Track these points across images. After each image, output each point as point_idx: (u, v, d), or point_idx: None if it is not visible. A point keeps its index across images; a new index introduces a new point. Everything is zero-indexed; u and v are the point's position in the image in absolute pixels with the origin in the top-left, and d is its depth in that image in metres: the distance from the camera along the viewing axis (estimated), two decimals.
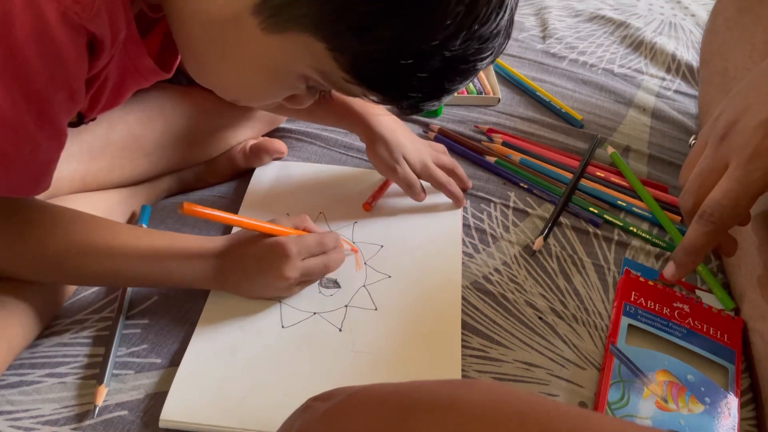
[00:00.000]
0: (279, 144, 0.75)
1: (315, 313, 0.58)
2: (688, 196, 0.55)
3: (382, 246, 0.66)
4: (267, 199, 0.70)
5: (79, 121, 0.53)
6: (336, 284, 0.61)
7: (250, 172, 0.74)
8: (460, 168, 0.73)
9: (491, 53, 0.43)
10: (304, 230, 0.59)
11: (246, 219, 0.55)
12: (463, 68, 0.43)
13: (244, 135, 0.75)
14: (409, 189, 0.68)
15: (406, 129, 0.71)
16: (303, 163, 0.76)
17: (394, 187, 0.72)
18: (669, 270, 0.57)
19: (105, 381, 0.51)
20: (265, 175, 0.73)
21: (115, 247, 0.52)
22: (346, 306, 0.59)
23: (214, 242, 0.56)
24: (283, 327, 0.56)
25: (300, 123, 0.81)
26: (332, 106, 0.68)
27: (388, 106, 0.46)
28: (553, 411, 0.32)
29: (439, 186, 0.70)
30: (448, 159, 0.73)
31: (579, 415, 0.31)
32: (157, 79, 0.55)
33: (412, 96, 0.44)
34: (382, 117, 0.68)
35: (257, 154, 0.74)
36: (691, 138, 0.60)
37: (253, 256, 0.55)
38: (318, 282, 0.61)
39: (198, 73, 0.50)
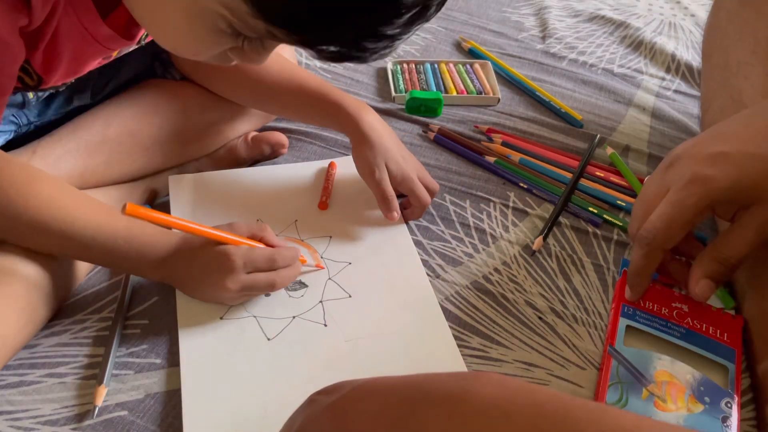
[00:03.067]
0: (280, 136, 0.75)
1: (294, 317, 0.58)
2: (633, 222, 0.57)
3: (330, 237, 0.66)
4: (199, 214, 0.66)
5: (38, 84, 0.53)
6: (302, 284, 0.61)
7: (251, 164, 0.75)
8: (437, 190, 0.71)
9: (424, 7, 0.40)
10: (260, 240, 0.57)
11: (197, 225, 0.53)
12: (388, 7, 0.39)
13: (241, 129, 0.76)
14: (382, 201, 0.66)
15: (398, 141, 0.69)
16: (216, 171, 0.73)
17: (351, 184, 0.71)
18: (627, 293, 0.60)
19: (105, 381, 0.51)
20: (182, 191, 0.69)
21: (72, 213, 0.52)
22: (320, 302, 0.60)
23: (170, 237, 0.55)
24: (268, 339, 0.56)
25: (300, 124, 0.82)
26: (324, 104, 0.68)
27: (310, 53, 0.43)
28: (570, 404, 0.31)
29: (415, 200, 0.68)
30: (432, 181, 0.70)
31: (596, 407, 0.31)
32: (120, 46, 0.55)
33: (328, 36, 0.41)
34: (374, 121, 0.67)
35: (258, 145, 0.74)
36: None
37: (200, 262, 0.55)
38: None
39: (137, 17, 0.50)
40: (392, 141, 0.68)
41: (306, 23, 0.41)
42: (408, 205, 0.70)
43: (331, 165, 0.73)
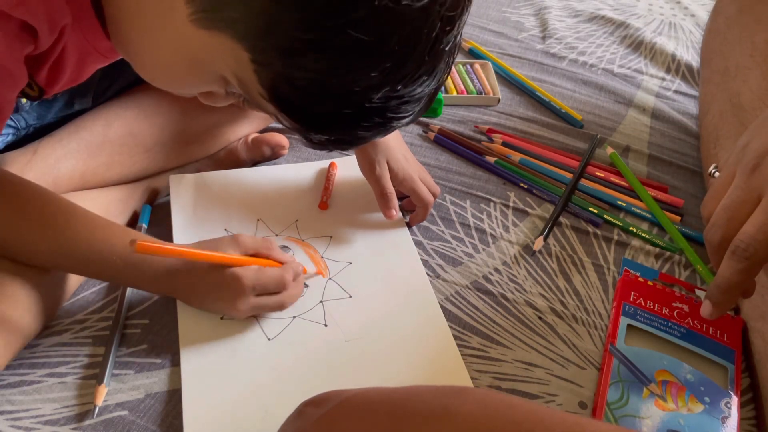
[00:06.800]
0: (280, 137, 0.75)
1: (294, 317, 0.58)
2: (716, 230, 0.50)
3: (331, 237, 0.66)
4: (200, 214, 0.66)
5: (40, 95, 0.53)
6: (304, 284, 0.61)
7: (252, 166, 0.75)
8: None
9: (410, 115, 0.44)
10: (267, 257, 0.56)
11: (205, 252, 0.52)
12: (378, 122, 0.43)
13: (243, 131, 0.76)
14: (380, 198, 0.66)
15: (403, 142, 0.70)
16: (217, 171, 0.72)
17: (348, 185, 0.71)
18: (706, 309, 0.53)
19: (105, 381, 0.51)
20: (183, 190, 0.69)
21: (64, 232, 0.51)
22: (321, 302, 0.60)
23: None
24: (269, 339, 0.56)
25: None
26: None
27: (297, 136, 0.45)
28: (548, 419, 0.31)
29: (418, 200, 0.68)
30: (433, 184, 0.70)
31: (575, 423, 0.31)
32: (119, 56, 0.54)
33: (322, 132, 0.43)
34: None
35: (258, 146, 0.75)
36: (711, 167, 0.57)
37: (208, 281, 0.54)
38: None
39: (119, 43, 0.49)
40: (396, 140, 0.68)
41: (315, 123, 0.43)
42: (409, 207, 0.69)
43: (331, 165, 0.74)
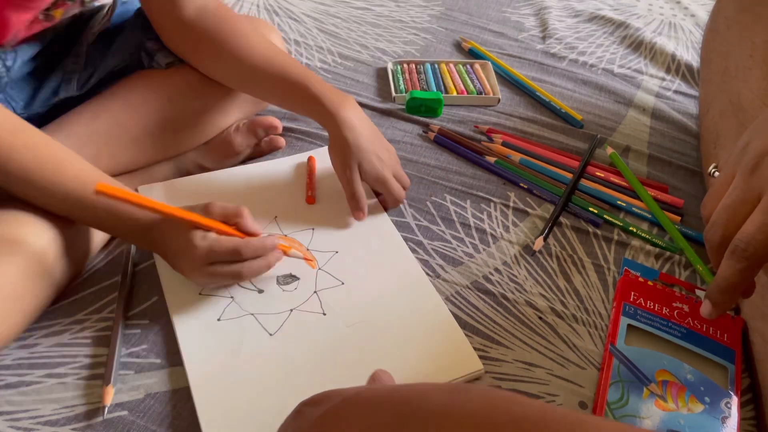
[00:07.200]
0: (272, 119, 0.76)
1: (291, 310, 0.58)
2: (715, 229, 0.50)
3: (313, 229, 0.67)
4: None
5: None
6: (293, 277, 0.61)
7: (245, 161, 0.76)
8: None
9: None
10: (234, 226, 0.56)
11: (164, 206, 0.52)
12: None
13: (233, 116, 0.76)
14: (349, 200, 0.67)
15: (377, 138, 0.69)
16: (186, 177, 0.72)
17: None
18: (706, 309, 0.53)
19: (112, 380, 0.51)
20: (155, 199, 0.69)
21: (57, 174, 0.52)
22: (315, 292, 0.60)
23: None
24: (270, 335, 0.56)
25: (300, 123, 0.82)
26: (304, 96, 0.67)
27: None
28: (550, 417, 0.31)
29: (390, 198, 0.69)
30: (404, 177, 0.71)
31: (576, 420, 0.31)
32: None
33: None
34: (353, 119, 0.66)
35: (253, 130, 0.75)
36: (711, 167, 0.57)
37: (172, 243, 0.55)
38: (275, 281, 0.60)
39: None
40: (369, 140, 0.67)
41: None
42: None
43: (310, 159, 0.74)
